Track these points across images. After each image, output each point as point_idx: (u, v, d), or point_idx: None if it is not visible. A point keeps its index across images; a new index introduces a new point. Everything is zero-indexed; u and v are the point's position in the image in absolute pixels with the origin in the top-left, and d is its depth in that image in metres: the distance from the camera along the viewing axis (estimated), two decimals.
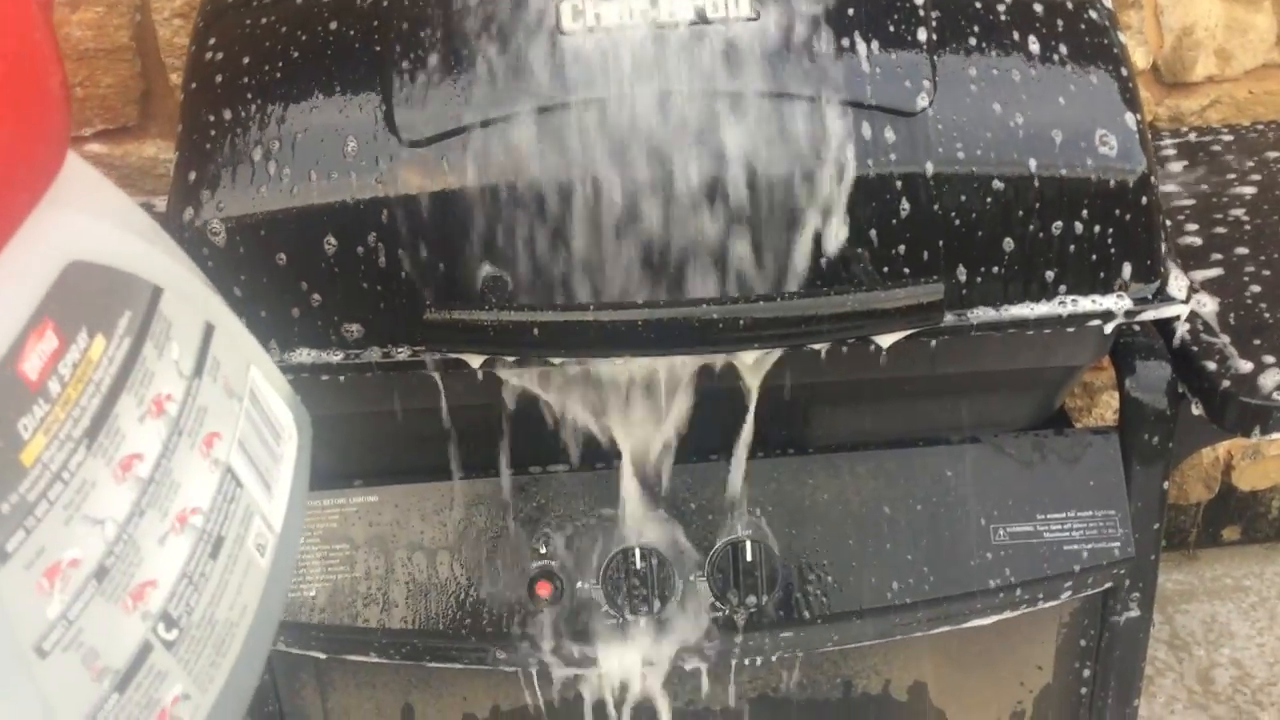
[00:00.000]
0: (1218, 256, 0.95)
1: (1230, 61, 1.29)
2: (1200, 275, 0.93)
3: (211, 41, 0.81)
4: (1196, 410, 0.85)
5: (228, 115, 0.77)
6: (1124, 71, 0.79)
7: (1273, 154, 1.11)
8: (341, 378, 0.78)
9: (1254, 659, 1.48)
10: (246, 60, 0.79)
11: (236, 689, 0.62)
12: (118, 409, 0.56)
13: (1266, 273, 0.93)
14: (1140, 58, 1.27)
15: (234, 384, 0.65)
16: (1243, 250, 0.96)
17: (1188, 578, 1.58)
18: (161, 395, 0.59)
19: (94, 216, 0.59)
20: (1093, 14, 0.79)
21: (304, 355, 0.78)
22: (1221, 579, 1.59)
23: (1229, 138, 1.15)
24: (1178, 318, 0.85)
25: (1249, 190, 1.05)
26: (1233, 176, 1.07)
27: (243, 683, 0.63)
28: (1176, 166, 1.10)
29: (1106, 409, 1.46)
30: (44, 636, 0.51)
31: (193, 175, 0.77)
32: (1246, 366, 0.83)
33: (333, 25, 0.78)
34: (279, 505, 0.67)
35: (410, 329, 0.76)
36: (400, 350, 0.77)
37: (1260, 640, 1.50)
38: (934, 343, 0.79)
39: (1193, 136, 1.16)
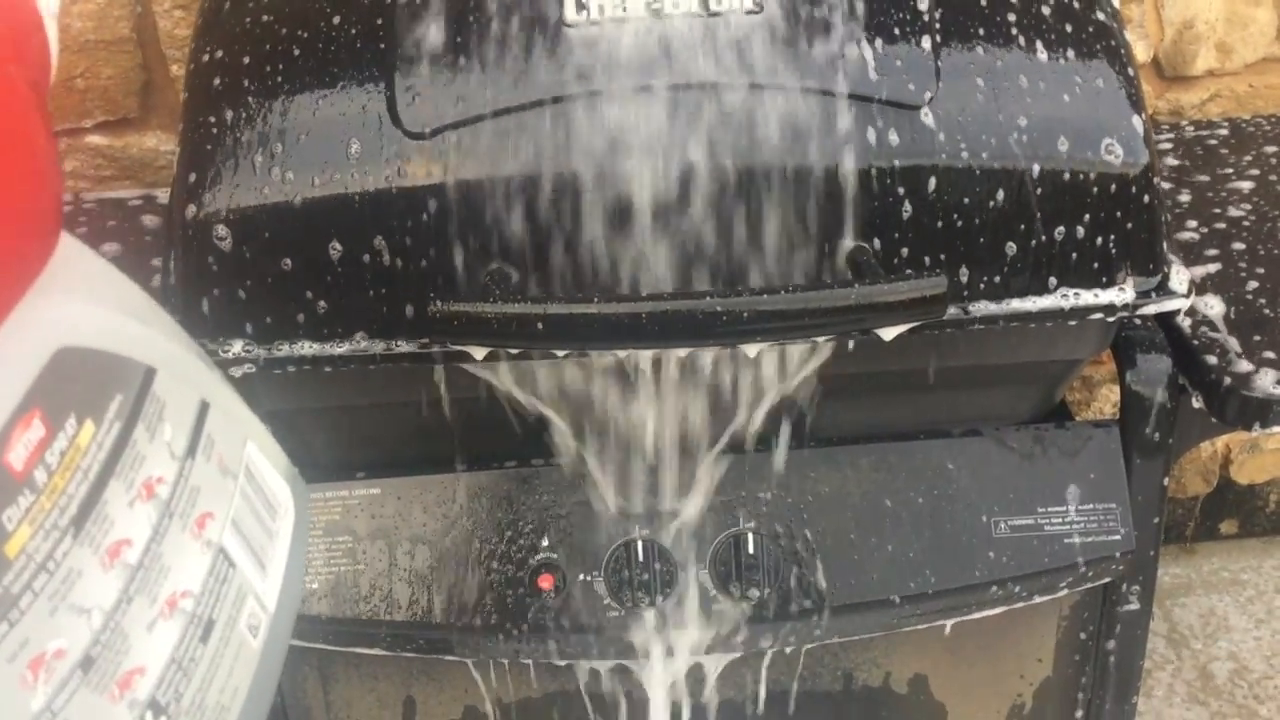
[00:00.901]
0: (1215, 251, 0.95)
1: (1231, 55, 1.29)
2: (1198, 270, 0.93)
3: (214, 32, 0.81)
4: (1197, 404, 0.86)
5: (230, 109, 0.77)
6: (1129, 70, 0.79)
7: (1270, 148, 1.11)
8: (345, 370, 0.78)
9: (1251, 652, 1.48)
10: (247, 55, 0.78)
11: None
12: (106, 495, 0.55)
13: (1261, 270, 0.93)
14: (1141, 51, 1.27)
15: (229, 461, 0.64)
16: (1240, 245, 0.96)
17: (1185, 571, 1.59)
18: (153, 478, 0.58)
19: (86, 299, 0.58)
20: (1099, 15, 0.79)
21: (306, 348, 0.78)
22: (1219, 572, 1.59)
23: (1225, 131, 1.15)
24: (1179, 311, 0.85)
25: (1247, 185, 1.05)
26: (1230, 171, 1.07)
27: None
28: (1174, 160, 1.10)
29: (1105, 402, 1.46)
30: None
31: (195, 169, 0.76)
32: (1247, 361, 0.83)
33: (335, 20, 0.78)
34: (273, 583, 0.67)
35: (414, 321, 0.76)
36: (404, 343, 0.77)
37: (1257, 634, 1.51)
38: (936, 336, 0.79)
39: (1190, 130, 1.16)
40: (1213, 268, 0.93)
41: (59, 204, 0.58)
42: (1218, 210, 1.01)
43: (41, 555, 0.52)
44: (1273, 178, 1.06)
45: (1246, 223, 0.99)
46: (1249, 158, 1.10)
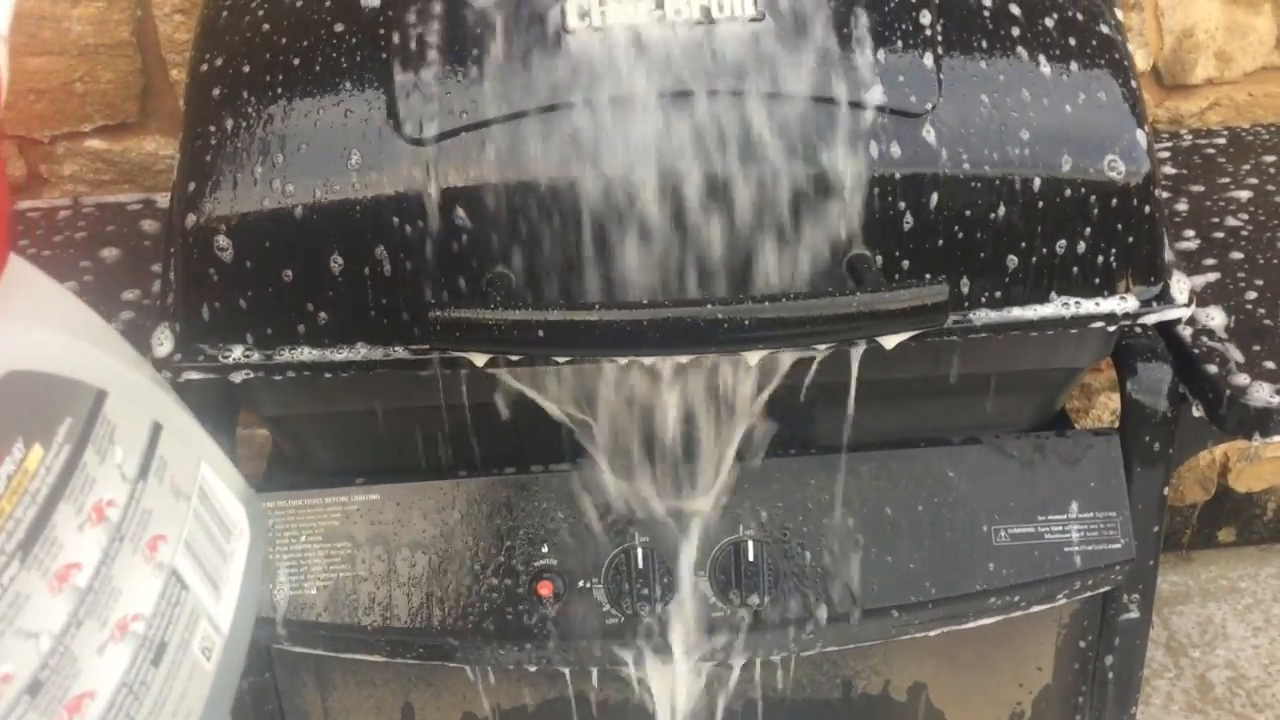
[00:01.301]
0: (1213, 261, 0.95)
1: (1230, 64, 1.29)
2: (1197, 280, 0.93)
3: (213, 40, 0.81)
4: (1197, 413, 0.86)
5: (230, 118, 0.77)
6: (1131, 82, 0.79)
7: (1269, 158, 1.11)
8: (345, 376, 0.78)
9: (1249, 661, 1.48)
10: (247, 63, 0.78)
11: None
12: (55, 519, 0.55)
13: (1260, 280, 0.93)
14: (1140, 59, 1.27)
15: (182, 483, 0.64)
16: (1238, 255, 0.96)
17: (1183, 579, 1.58)
18: (103, 501, 0.58)
19: (35, 322, 0.57)
20: (1103, 27, 0.80)
21: (306, 354, 0.78)
22: (1217, 580, 1.59)
23: (1224, 140, 1.15)
24: (1179, 320, 0.85)
25: (1245, 194, 1.06)
26: (1228, 180, 1.08)
27: None
28: (1172, 169, 1.11)
29: (1104, 410, 1.46)
30: None
31: (196, 177, 0.76)
32: (1247, 370, 0.83)
33: (335, 28, 0.78)
34: (227, 605, 0.66)
35: (415, 328, 0.76)
36: (404, 349, 0.77)
37: (1255, 642, 1.51)
38: (937, 344, 0.79)
39: (1189, 139, 1.16)
40: (1211, 277, 0.93)
41: (8, 224, 0.58)
42: (1216, 220, 1.01)
43: None
44: (1270, 187, 1.06)
45: (1244, 232, 0.99)
46: (1247, 167, 1.10)
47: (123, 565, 0.58)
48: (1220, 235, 0.99)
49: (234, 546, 0.68)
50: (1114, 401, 1.46)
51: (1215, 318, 0.89)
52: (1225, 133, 1.17)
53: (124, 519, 0.59)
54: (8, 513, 0.52)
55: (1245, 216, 1.02)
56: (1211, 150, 1.13)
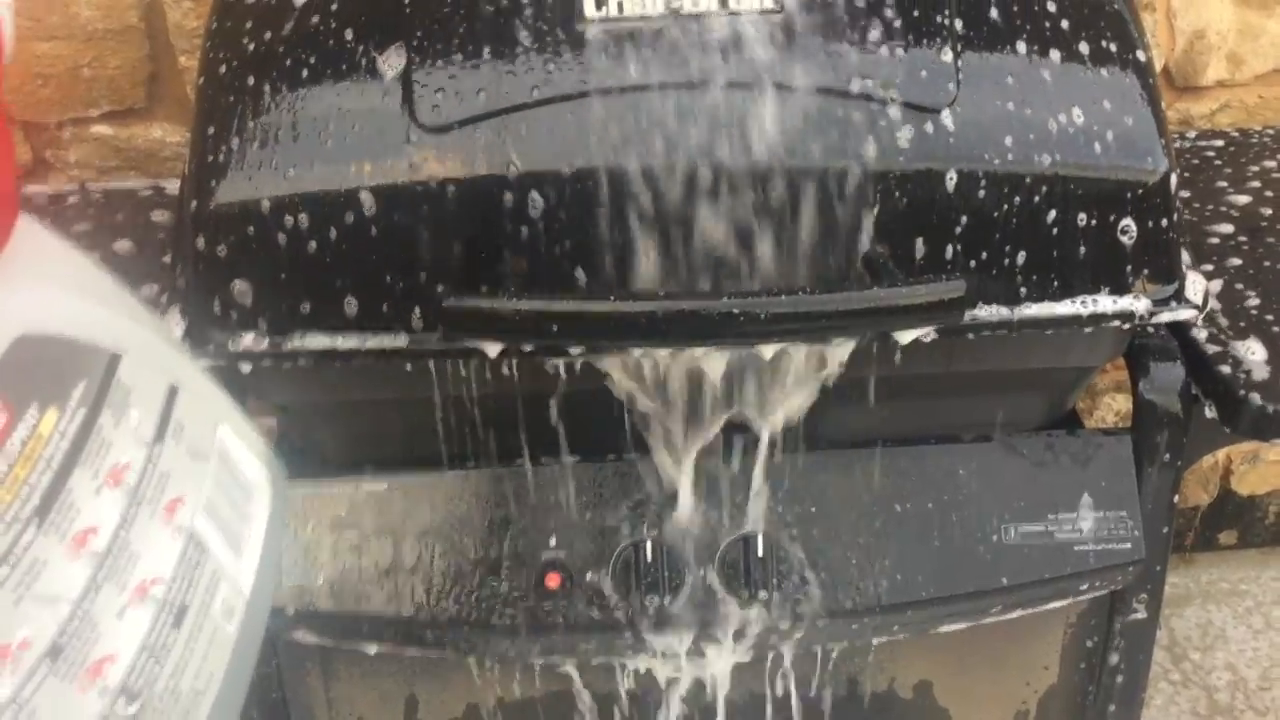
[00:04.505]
0: (1209, 267, 0.95)
1: (1241, 66, 1.29)
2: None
3: (228, 21, 0.80)
4: (1210, 413, 0.85)
5: (244, 101, 0.76)
6: (1150, 79, 0.79)
7: (1270, 163, 1.11)
8: (355, 364, 0.77)
9: (1249, 664, 1.48)
10: (261, 46, 0.78)
11: None
12: (71, 483, 0.54)
13: (1260, 285, 0.92)
14: None
15: (200, 445, 0.63)
16: (1237, 261, 0.96)
17: (1184, 581, 1.58)
18: (119, 465, 0.57)
19: (47, 285, 0.57)
20: (1125, 24, 0.79)
21: (315, 340, 0.77)
22: (1218, 583, 1.59)
23: (1221, 143, 1.14)
24: (1194, 321, 0.85)
25: (1244, 199, 1.05)
26: (1227, 185, 1.07)
27: None
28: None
29: (1108, 412, 1.46)
30: None
31: (208, 161, 0.76)
32: (1263, 371, 0.83)
33: (351, 11, 0.77)
34: (248, 567, 0.66)
35: (428, 316, 0.75)
36: (416, 338, 0.76)
37: (1255, 645, 1.51)
38: (951, 340, 0.79)
39: (1194, 141, 1.15)
40: (1215, 284, 0.93)
41: (15, 184, 0.57)
42: (1217, 224, 1.01)
43: (4, 545, 0.51)
44: (1268, 193, 1.05)
45: (1244, 237, 0.99)
46: (1254, 169, 1.09)
47: (141, 529, 0.58)
48: (1216, 241, 0.98)
49: (254, 508, 0.67)
50: (1118, 403, 1.45)
51: (1226, 320, 0.88)
52: (1238, 134, 1.17)
53: (141, 482, 0.58)
54: (23, 478, 0.52)
55: (1244, 220, 1.01)
56: (1211, 153, 1.13)
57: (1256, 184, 1.07)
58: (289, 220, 0.75)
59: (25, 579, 0.52)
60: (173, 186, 1.06)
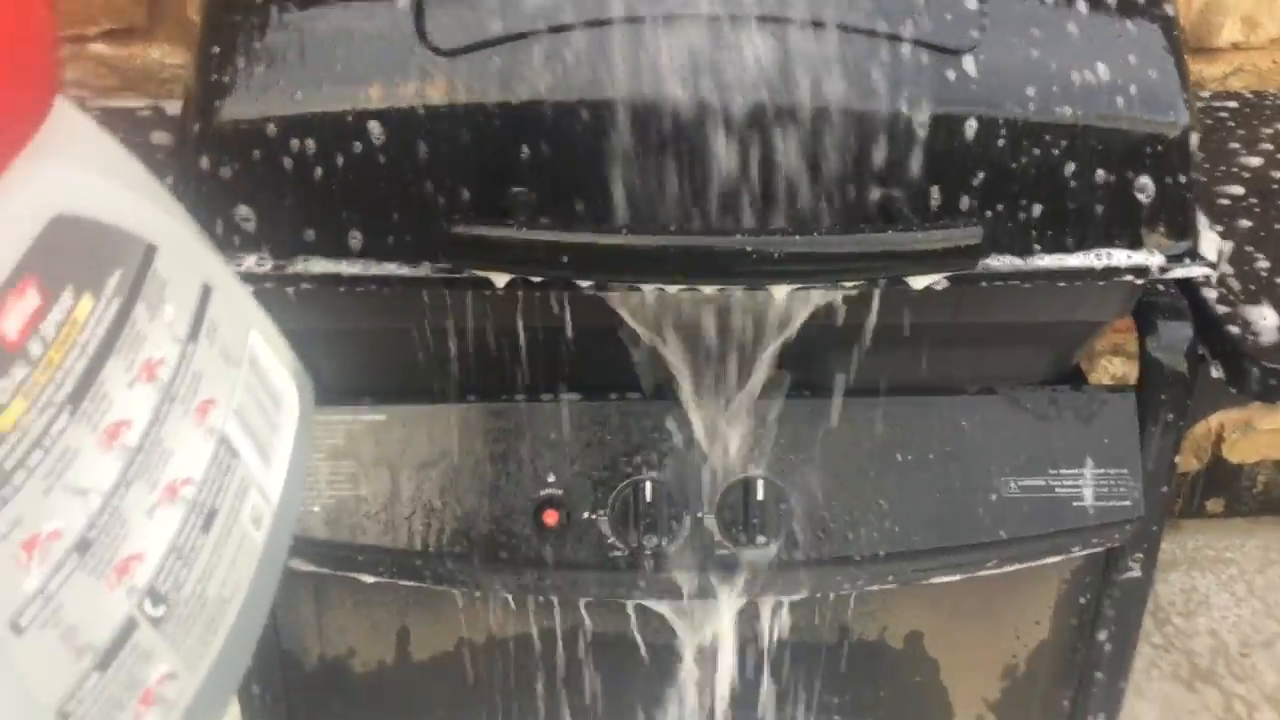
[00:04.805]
0: (1220, 228, 0.94)
1: (1257, 29, 1.27)
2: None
3: None
4: (1216, 374, 0.85)
5: (250, 18, 0.74)
6: (1173, 31, 0.77)
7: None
8: (357, 290, 0.76)
9: (1230, 630, 1.49)
10: None
11: (227, 668, 0.59)
12: (105, 373, 0.52)
13: (1270, 247, 0.92)
14: None
15: (232, 349, 0.62)
16: (1247, 223, 0.95)
17: (1170, 547, 1.59)
18: (153, 359, 0.55)
19: (84, 168, 0.55)
20: None
21: (318, 265, 0.76)
22: (1203, 550, 1.60)
23: (1235, 104, 1.14)
24: (1206, 280, 0.84)
25: (1256, 160, 1.04)
26: (1239, 146, 1.06)
27: (233, 662, 0.60)
28: None
29: (1105, 374, 1.45)
30: (20, 612, 0.48)
31: (212, 78, 0.74)
32: (1272, 334, 0.83)
33: None
34: (277, 477, 0.64)
35: (434, 244, 0.74)
36: (422, 265, 0.75)
37: (1238, 611, 1.52)
38: (962, 289, 0.78)
39: (1206, 100, 1.14)
40: (1225, 246, 0.92)
41: (55, 57, 0.54)
42: (1229, 185, 1.00)
43: (37, 431, 0.49)
44: None
45: (1254, 199, 0.98)
46: (1267, 131, 1.09)
47: (173, 427, 0.56)
48: (1226, 202, 0.98)
49: (284, 419, 0.66)
50: (1114, 366, 1.45)
51: (1236, 283, 0.88)
52: (1252, 95, 1.16)
53: (174, 379, 0.56)
54: (57, 363, 0.50)
55: (1255, 183, 1.00)
56: (1224, 114, 1.12)
57: (1269, 146, 1.06)
58: (295, 143, 0.73)
59: (57, 467, 0.50)
60: (173, 107, 1.04)
